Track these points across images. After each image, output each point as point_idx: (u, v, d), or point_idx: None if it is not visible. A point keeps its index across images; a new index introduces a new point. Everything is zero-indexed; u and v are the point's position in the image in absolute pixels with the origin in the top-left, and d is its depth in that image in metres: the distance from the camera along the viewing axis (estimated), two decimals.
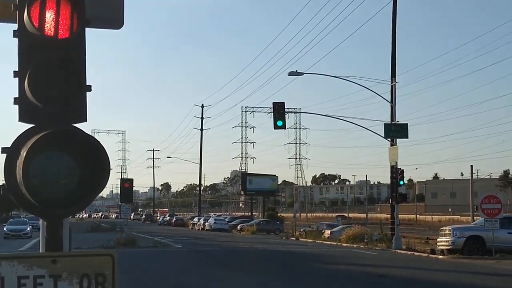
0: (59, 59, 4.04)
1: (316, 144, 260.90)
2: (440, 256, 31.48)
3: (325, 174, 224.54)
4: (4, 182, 3.94)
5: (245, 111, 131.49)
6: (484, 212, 30.39)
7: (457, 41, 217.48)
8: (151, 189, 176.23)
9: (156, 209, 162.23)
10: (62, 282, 3.92)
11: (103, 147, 3.95)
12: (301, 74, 42.32)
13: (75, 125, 4.10)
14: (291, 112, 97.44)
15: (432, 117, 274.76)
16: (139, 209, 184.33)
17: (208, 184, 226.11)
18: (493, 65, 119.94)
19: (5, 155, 3.95)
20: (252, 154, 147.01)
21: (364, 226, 50.21)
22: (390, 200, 40.36)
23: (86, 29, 4.22)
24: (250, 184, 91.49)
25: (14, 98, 4.03)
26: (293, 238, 53.44)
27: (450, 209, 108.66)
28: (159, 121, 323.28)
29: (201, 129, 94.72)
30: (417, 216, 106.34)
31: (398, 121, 38.85)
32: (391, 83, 39.32)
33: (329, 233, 50.68)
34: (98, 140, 3.95)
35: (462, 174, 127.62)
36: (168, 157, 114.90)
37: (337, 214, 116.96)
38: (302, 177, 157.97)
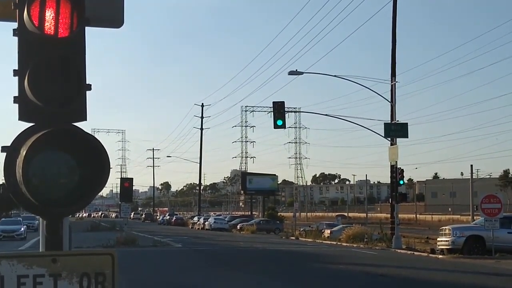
0: (59, 58, 4.03)
1: (316, 144, 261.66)
2: (440, 256, 31.47)
3: (325, 173, 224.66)
4: (4, 181, 3.94)
5: (245, 111, 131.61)
6: (484, 211, 30.40)
7: (457, 41, 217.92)
8: (151, 189, 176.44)
9: (156, 209, 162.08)
10: (62, 281, 3.92)
11: (103, 146, 3.94)
12: (301, 73, 42.32)
13: (75, 124, 4.09)
14: (291, 111, 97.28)
15: (432, 117, 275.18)
16: (139, 209, 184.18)
17: (208, 184, 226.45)
18: (492, 65, 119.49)
19: (5, 154, 3.94)
20: (252, 154, 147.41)
21: (364, 226, 50.21)
22: (390, 199, 40.37)
23: (86, 28, 4.22)
24: (250, 184, 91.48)
25: (14, 97, 4.02)
26: (293, 238, 53.44)
27: (450, 209, 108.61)
28: (159, 120, 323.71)
29: (201, 129, 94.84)
30: (417, 215, 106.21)
31: (398, 121, 38.83)
32: (391, 82, 39.31)
33: (329, 232, 50.67)
34: (98, 139, 3.94)
35: (462, 174, 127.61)
36: (168, 156, 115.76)
37: (337, 213, 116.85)
38: (302, 177, 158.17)
